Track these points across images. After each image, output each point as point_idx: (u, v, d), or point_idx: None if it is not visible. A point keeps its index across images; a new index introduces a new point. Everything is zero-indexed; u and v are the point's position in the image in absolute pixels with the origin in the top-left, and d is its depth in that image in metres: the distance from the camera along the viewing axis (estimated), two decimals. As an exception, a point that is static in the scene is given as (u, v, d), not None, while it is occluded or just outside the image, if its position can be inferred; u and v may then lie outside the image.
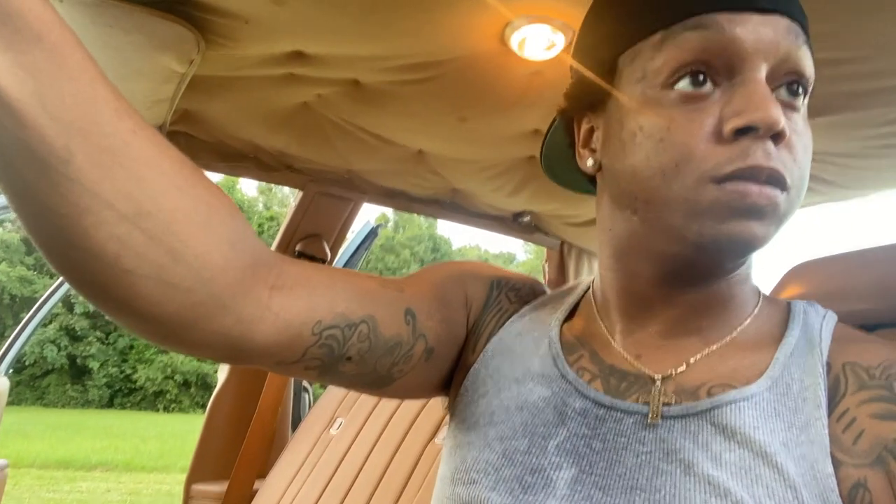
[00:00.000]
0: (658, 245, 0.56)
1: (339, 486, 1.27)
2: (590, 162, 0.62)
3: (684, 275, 0.56)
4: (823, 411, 0.50)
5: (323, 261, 1.67)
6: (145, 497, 7.35)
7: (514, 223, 1.85)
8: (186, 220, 0.45)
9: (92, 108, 0.40)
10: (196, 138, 1.34)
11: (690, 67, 0.51)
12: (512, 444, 0.57)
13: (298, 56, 1.07)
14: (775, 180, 0.49)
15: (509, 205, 1.74)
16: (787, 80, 0.52)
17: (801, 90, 0.53)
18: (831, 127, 1.10)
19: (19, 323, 2.70)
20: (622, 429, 0.54)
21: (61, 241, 0.41)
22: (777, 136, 0.49)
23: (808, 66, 0.53)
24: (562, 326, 0.66)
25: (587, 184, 0.66)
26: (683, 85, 0.52)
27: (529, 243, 1.99)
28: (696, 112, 0.51)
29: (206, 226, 0.46)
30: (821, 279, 0.76)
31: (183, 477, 1.59)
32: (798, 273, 0.78)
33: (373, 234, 1.84)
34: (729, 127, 0.49)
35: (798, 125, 0.52)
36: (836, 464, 0.47)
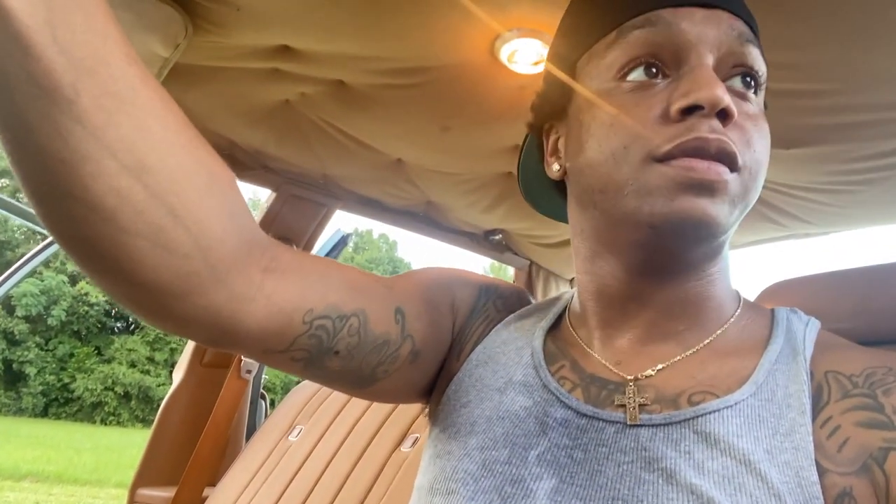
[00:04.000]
0: (619, 236, 0.56)
1: (296, 493, 1.22)
2: (555, 167, 0.63)
3: (651, 267, 0.56)
4: (808, 417, 0.50)
5: (290, 266, 1.64)
6: (76, 511, 7.01)
7: (485, 241, 1.86)
8: (188, 181, 0.43)
9: (103, 48, 0.38)
10: (171, 130, 1.31)
11: (641, 59, 0.54)
12: (492, 455, 0.56)
13: (285, 51, 1.05)
14: (724, 155, 0.50)
15: (483, 221, 1.75)
16: (737, 73, 0.54)
17: (752, 82, 0.55)
18: (799, 160, 1.14)
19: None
20: (603, 438, 0.53)
21: (57, 191, 0.39)
22: (723, 115, 0.50)
23: (755, 60, 0.55)
24: (546, 336, 0.65)
25: (560, 208, 0.67)
26: (635, 76, 0.54)
27: (490, 268, 1.99)
28: (645, 98, 0.53)
29: (207, 191, 0.44)
30: (799, 298, 0.78)
31: (118, 492, 1.52)
32: (775, 291, 0.80)
33: (342, 242, 1.82)
34: (674, 107, 0.51)
35: (751, 111, 0.54)
36: (822, 471, 0.47)
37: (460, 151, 1.33)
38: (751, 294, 0.85)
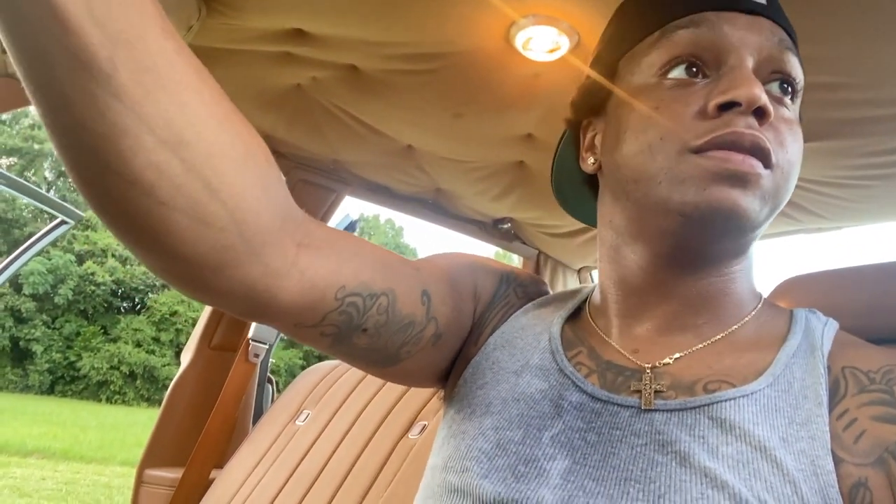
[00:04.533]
0: (649, 224, 0.57)
1: (302, 477, 1.23)
2: (591, 160, 0.65)
3: (677, 258, 0.57)
4: (824, 408, 0.50)
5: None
6: (82, 487, 7.10)
7: (493, 229, 1.85)
8: (224, 155, 0.43)
9: (140, 22, 0.37)
10: (181, 112, 1.31)
11: (683, 58, 0.56)
12: (506, 434, 0.56)
13: (298, 34, 1.05)
14: (758, 150, 0.52)
15: (492, 210, 1.74)
16: (775, 78, 0.56)
17: (789, 89, 0.57)
18: (812, 154, 1.13)
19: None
20: (618, 421, 0.54)
21: (96, 165, 0.39)
22: (760, 113, 0.52)
23: (793, 68, 0.57)
24: (563, 324, 0.66)
25: (585, 206, 0.70)
26: (677, 73, 0.56)
27: (495, 256, 1.99)
28: (685, 95, 0.55)
29: (243, 164, 0.44)
30: (812, 294, 0.77)
31: (123, 470, 1.54)
32: (789, 287, 0.79)
33: (351, 227, 1.81)
34: (713, 103, 0.53)
35: (786, 115, 0.55)
36: (837, 461, 0.47)
37: (472, 139, 1.33)
38: (764, 290, 0.85)
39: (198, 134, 0.41)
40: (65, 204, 2.06)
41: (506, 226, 1.84)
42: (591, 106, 0.65)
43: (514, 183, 1.52)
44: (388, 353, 0.61)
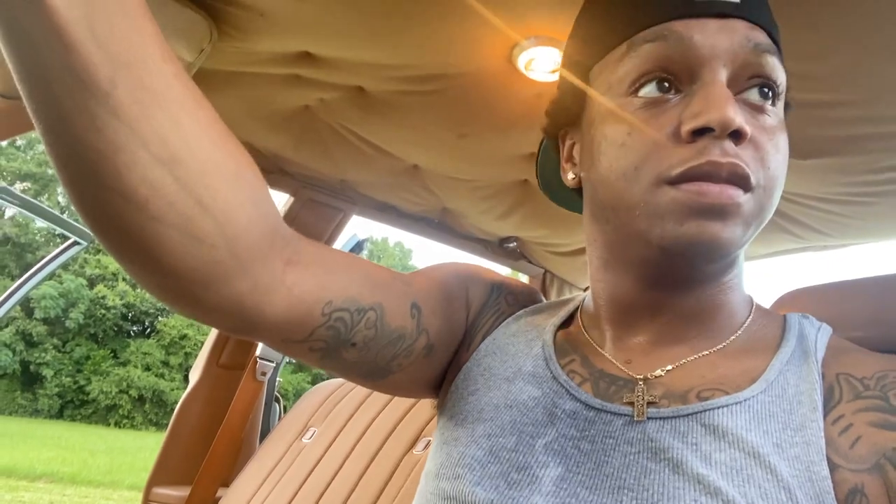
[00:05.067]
0: (631, 252, 0.56)
1: (308, 495, 1.23)
2: (570, 175, 0.64)
3: (663, 282, 0.57)
4: (819, 414, 0.50)
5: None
6: (90, 512, 7.06)
7: (499, 248, 1.86)
8: (217, 173, 0.44)
9: (140, 44, 0.39)
10: (192, 133, 1.34)
11: (653, 75, 0.53)
12: (499, 442, 0.56)
13: (306, 57, 1.07)
14: (737, 178, 0.50)
15: (497, 229, 1.75)
16: (754, 84, 0.53)
17: (769, 93, 0.54)
18: (816, 171, 1.14)
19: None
20: (611, 430, 0.54)
21: (91, 180, 0.40)
22: (736, 135, 0.50)
23: (773, 70, 0.53)
24: (556, 332, 0.66)
25: (578, 204, 0.67)
26: (647, 91, 0.53)
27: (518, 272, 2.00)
28: (657, 116, 0.52)
29: (234, 182, 0.46)
30: (812, 307, 0.78)
31: (131, 494, 1.54)
32: (789, 300, 0.80)
33: (358, 247, 1.83)
34: (685, 129, 0.50)
35: (767, 124, 0.53)
36: (832, 467, 0.47)
37: (476, 158, 1.34)
38: (764, 303, 0.86)
39: (192, 152, 0.42)
40: (78, 225, 2.10)
41: (512, 245, 1.85)
42: (568, 116, 0.63)
43: (518, 201, 1.54)
44: (379, 366, 0.61)
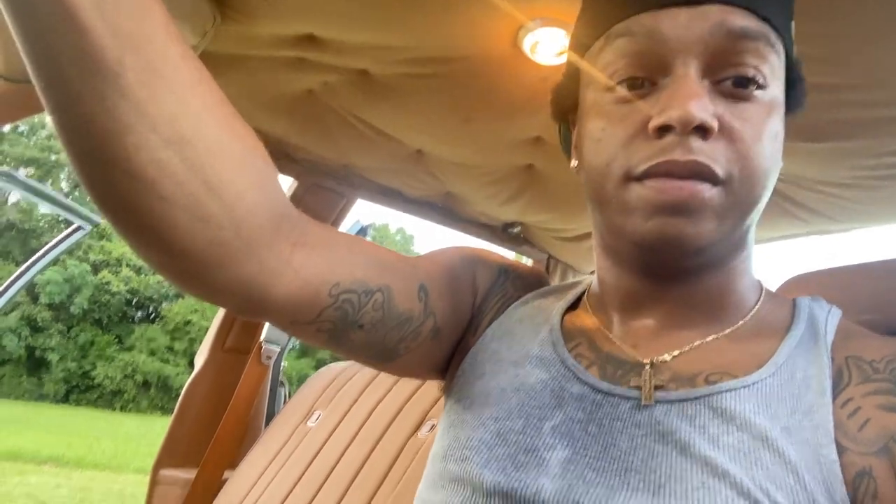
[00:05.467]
0: (618, 242, 0.58)
1: (313, 477, 1.24)
2: (574, 162, 0.64)
3: (655, 272, 0.57)
4: (828, 398, 0.50)
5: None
6: (96, 495, 7.15)
7: (503, 233, 1.86)
8: (224, 154, 0.44)
9: (148, 26, 0.40)
10: (196, 117, 1.34)
11: (626, 72, 0.53)
12: (506, 424, 0.56)
13: (310, 40, 1.07)
14: (699, 174, 0.49)
15: (501, 213, 1.75)
16: (729, 75, 0.51)
17: (749, 82, 0.51)
18: (821, 154, 1.13)
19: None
20: (618, 413, 0.54)
21: (101, 160, 0.41)
22: (701, 130, 0.49)
23: (752, 55, 0.51)
24: (563, 316, 0.66)
25: None
26: (620, 88, 0.53)
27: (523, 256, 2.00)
28: (630, 112, 0.52)
29: (241, 164, 0.46)
30: (819, 291, 0.78)
31: (136, 477, 1.56)
32: (796, 284, 0.80)
33: (362, 233, 1.83)
34: (650, 126, 0.50)
35: (748, 113, 0.51)
36: (841, 450, 0.47)
37: (481, 143, 1.34)
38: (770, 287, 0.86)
39: (199, 133, 0.43)
40: (81, 209, 2.10)
41: (515, 229, 1.85)
42: (568, 104, 0.63)
43: (523, 186, 1.53)
44: (387, 348, 0.61)
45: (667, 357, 0.56)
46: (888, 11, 0.79)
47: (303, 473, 1.29)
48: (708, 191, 0.49)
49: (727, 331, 0.57)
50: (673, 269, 0.57)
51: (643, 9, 0.52)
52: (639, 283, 0.59)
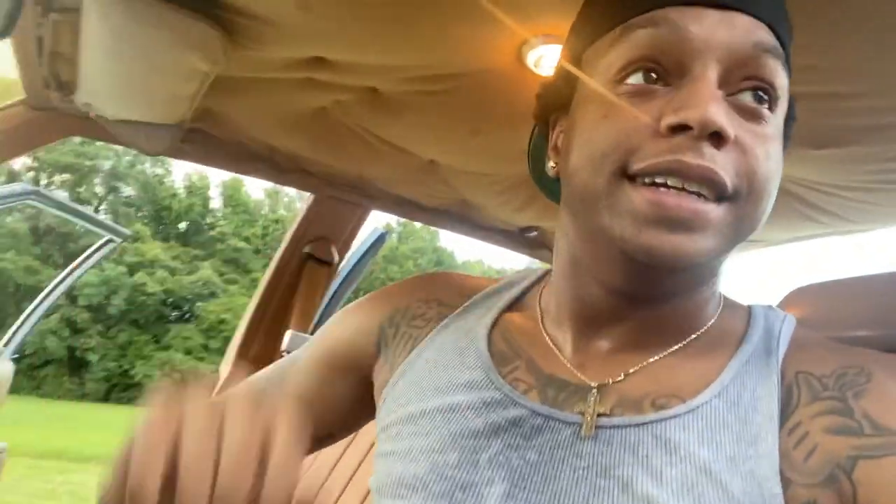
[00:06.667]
0: (597, 251, 0.53)
1: (338, 477, 1.27)
2: (551, 164, 0.59)
3: (630, 289, 0.53)
4: (775, 423, 0.48)
5: (329, 264, 1.69)
6: (136, 493, 7.32)
7: (520, 238, 1.87)
8: None
9: None
10: (213, 137, 1.37)
11: (641, 64, 0.49)
12: (440, 458, 0.54)
13: (320, 62, 1.09)
14: (708, 182, 0.46)
15: (517, 219, 1.76)
16: (748, 86, 0.49)
17: (766, 97, 0.49)
18: (834, 160, 1.12)
19: (22, 312, 2.73)
20: (559, 440, 0.51)
21: None
22: (717, 137, 0.46)
23: (772, 72, 0.49)
24: (491, 333, 0.62)
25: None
26: (634, 79, 0.50)
27: (537, 260, 2.01)
28: (639, 105, 0.49)
29: None
30: (821, 303, 0.77)
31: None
32: (798, 296, 0.80)
33: (380, 240, 1.86)
34: (664, 123, 0.47)
35: (760, 131, 0.49)
36: (786, 483, 0.45)
37: (490, 153, 1.35)
38: (773, 299, 0.85)
39: None
40: (112, 224, 2.18)
41: (532, 234, 1.86)
42: (558, 101, 0.58)
43: (536, 192, 1.53)
44: (322, 434, 0.69)
45: (615, 378, 0.53)
46: (888, 21, 0.78)
47: (328, 476, 1.32)
48: (710, 206, 0.47)
49: (678, 346, 0.55)
50: (649, 288, 0.53)
51: (672, 3, 0.49)
52: (604, 300, 0.55)
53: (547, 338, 0.60)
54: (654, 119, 0.48)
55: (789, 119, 0.54)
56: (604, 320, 0.56)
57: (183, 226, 26.62)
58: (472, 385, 0.57)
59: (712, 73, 0.47)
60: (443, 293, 0.69)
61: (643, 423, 0.49)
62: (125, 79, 1.05)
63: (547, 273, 0.67)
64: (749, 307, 0.59)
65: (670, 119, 0.47)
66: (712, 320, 0.56)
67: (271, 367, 0.77)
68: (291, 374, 0.72)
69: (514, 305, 0.65)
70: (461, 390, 0.57)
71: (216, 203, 27.76)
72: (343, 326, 0.72)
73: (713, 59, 0.47)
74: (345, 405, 0.70)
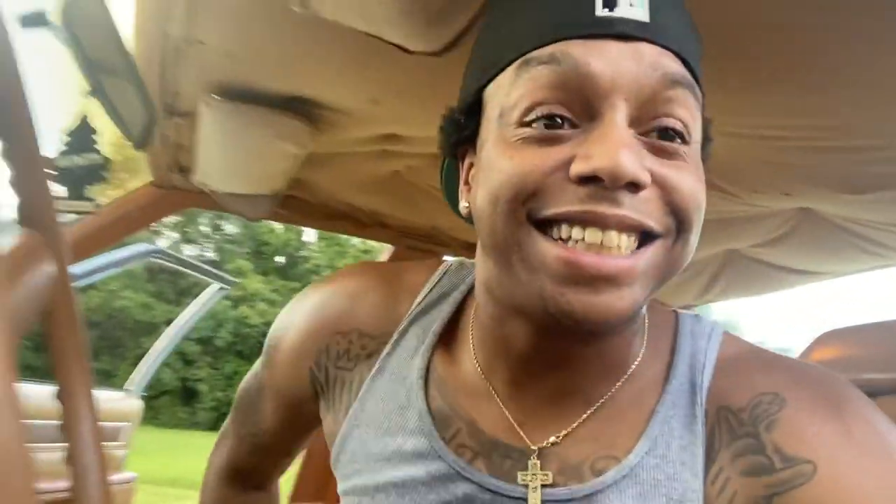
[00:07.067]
0: (518, 298, 0.49)
1: None
2: (463, 203, 0.56)
3: (557, 336, 0.50)
4: (700, 477, 0.50)
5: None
6: (245, 517, 7.67)
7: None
8: None
9: None
10: (304, 201, 1.56)
11: (546, 109, 0.46)
12: None
13: (392, 137, 1.26)
14: (628, 230, 0.45)
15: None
16: (659, 126, 0.46)
17: (679, 134, 0.46)
18: (882, 202, 1.16)
19: (138, 346, 3.06)
20: None
21: None
22: (633, 185, 0.43)
23: (681, 104, 0.46)
24: (427, 384, 0.60)
25: None
26: (538, 126, 0.46)
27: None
28: (548, 150, 0.46)
29: None
30: (849, 346, 0.82)
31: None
32: (827, 339, 0.85)
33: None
34: (573, 171, 0.44)
35: (678, 164, 0.46)
36: None
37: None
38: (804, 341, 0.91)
39: None
40: (222, 274, 2.44)
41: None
42: (461, 136, 0.55)
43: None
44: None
45: (554, 439, 0.53)
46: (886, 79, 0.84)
47: None
48: (639, 258, 0.45)
49: (609, 393, 0.54)
50: (576, 342, 0.51)
51: (569, 35, 0.45)
52: (532, 348, 0.52)
53: (482, 385, 0.57)
54: (563, 162, 0.45)
55: (706, 141, 0.52)
56: (535, 367, 0.54)
57: (281, 259, 27.87)
58: (419, 455, 0.56)
59: (621, 116, 0.45)
60: (363, 318, 0.65)
61: (583, 497, 0.50)
62: (232, 162, 1.26)
63: None
64: (675, 326, 0.57)
65: (580, 168, 0.44)
66: (639, 359, 0.55)
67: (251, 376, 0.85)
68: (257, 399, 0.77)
69: (445, 335, 0.62)
70: (410, 460, 0.56)
71: (310, 236, 28.96)
72: (277, 371, 0.72)
73: (621, 99, 0.45)
74: (296, 430, 0.77)
